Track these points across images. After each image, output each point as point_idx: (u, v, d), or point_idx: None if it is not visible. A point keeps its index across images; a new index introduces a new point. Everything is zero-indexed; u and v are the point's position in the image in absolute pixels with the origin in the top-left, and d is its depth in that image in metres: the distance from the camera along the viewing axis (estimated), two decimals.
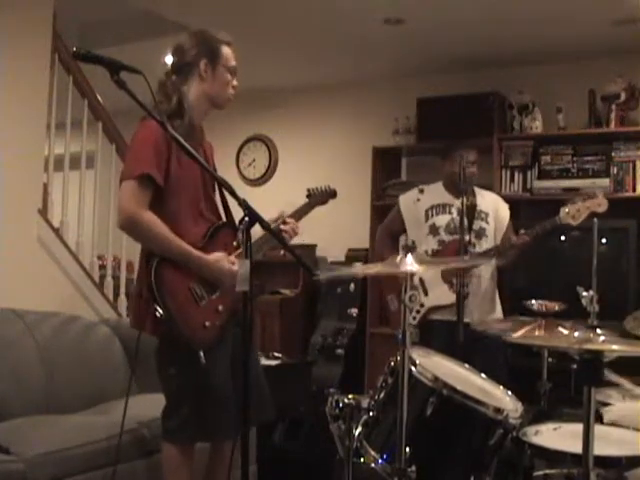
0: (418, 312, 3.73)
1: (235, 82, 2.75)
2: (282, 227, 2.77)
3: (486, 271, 3.74)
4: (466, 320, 3.50)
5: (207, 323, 2.53)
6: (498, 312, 3.81)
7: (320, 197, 3.04)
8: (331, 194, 3.06)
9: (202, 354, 2.49)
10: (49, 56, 4.06)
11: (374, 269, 2.55)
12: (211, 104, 2.72)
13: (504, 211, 3.88)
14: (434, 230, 3.79)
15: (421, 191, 3.92)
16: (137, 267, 2.67)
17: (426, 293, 3.74)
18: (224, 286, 2.55)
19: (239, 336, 2.10)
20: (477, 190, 3.87)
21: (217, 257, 2.58)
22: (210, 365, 2.50)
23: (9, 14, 3.81)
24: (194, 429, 2.57)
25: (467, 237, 3.64)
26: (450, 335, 3.40)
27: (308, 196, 3.03)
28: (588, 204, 3.39)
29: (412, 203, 3.91)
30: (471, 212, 3.71)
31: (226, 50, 2.71)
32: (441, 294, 3.63)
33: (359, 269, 2.43)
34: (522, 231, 3.63)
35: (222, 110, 2.78)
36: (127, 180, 2.52)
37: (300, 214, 2.90)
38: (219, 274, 2.55)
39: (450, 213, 3.77)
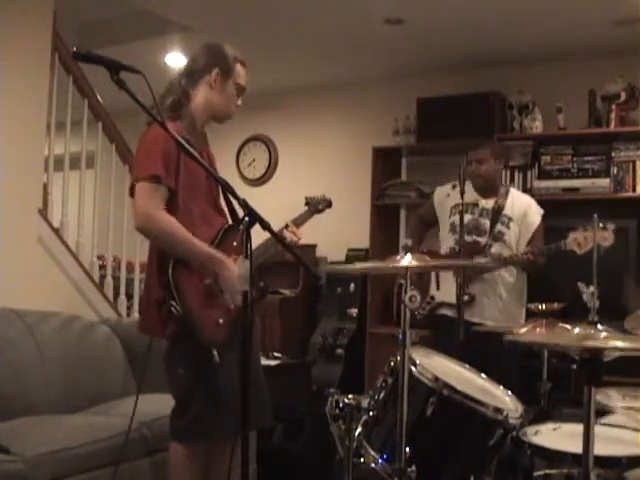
0: (429, 303, 3.77)
1: (240, 102, 2.77)
2: (285, 233, 2.82)
3: (503, 278, 3.73)
4: (476, 320, 3.51)
5: (221, 320, 2.54)
6: (517, 322, 3.77)
7: (317, 205, 3.11)
8: (327, 203, 3.14)
9: (216, 352, 2.50)
10: (49, 56, 4.06)
11: (370, 266, 2.55)
12: (212, 115, 2.74)
13: (533, 217, 3.84)
14: (453, 228, 3.83)
15: (454, 187, 3.93)
16: (142, 268, 2.67)
17: (438, 287, 3.77)
18: (231, 293, 2.53)
19: (240, 337, 2.10)
20: (512, 192, 3.86)
21: (233, 265, 2.55)
22: (221, 364, 2.51)
23: (9, 14, 3.81)
24: (204, 429, 2.57)
25: (484, 239, 3.65)
26: (453, 332, 3.42)
27: (307, 204, 3.10)
28: (595, 235, 3.38)
29: (444, 197, 3.96)
30: (495, 215, 3.72)
31: (239, 68, 2.74)
32: (450, 291, 3.64)
33: (357, 267, 2.48)
34: (529, 248, 3.64)
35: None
36: (140, 182, 2.54)
37: (300, 221, 2.95)
38: (235, 282, 2.50)
39: (472, 213, 3.79)
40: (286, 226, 2.85)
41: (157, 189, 2.52)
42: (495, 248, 3.71)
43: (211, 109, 2.71)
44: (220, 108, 2.73)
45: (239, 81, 2.74)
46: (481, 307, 3.64)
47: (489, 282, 3.69)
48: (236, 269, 2.53)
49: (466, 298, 3.67)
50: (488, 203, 3.73)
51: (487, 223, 3.69)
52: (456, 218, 3.81)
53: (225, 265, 2.53)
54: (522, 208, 3.84)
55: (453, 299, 3.63)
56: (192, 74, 2.70)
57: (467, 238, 3.75)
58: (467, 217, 3.79)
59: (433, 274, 3.81)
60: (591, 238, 3.38)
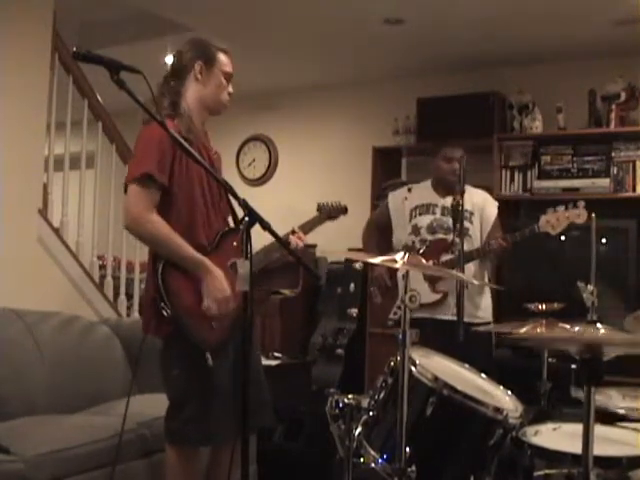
0: (399, 308, 3.75)
1: (231, 89, 2.76)
2: (290, 238, 2.81)
3: (467, 271, 3.74)
4: (449, 317, 3.51)
5: (214, 324, 2.53)
6: (484, 312, 3.79)
7: (330, 212, 3.06)
8: (341, 210, 3.09)
9: (209, 355, 2.49)
10: (49, 56, 4.06)
11: (373, 259, 2.51)
12: (206, 107, 2.73)
13: (491, 210, 3.86)
14: (416, 230, 3.82)
15: (409, 190, 3.97)
16: (142, 268, 2.66)
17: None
18: (211, 301, 2.52)
19: (240, 338, 2.10)
20: (467, 188, 3.88)
21: (221, 276, 2.55)
22: (215, 366, 2.50)
23: (9, 14, 3.82)
24: (197, 431, 2.56)
25: (450, 237, 3.65)
26: (431, 333, 3.41)
27: (318, 210, 3.06)
28: (568, 214, 3.39)
29: (400, 202, 3.96)
30: (456, 212, 3.73)
31: (222, 56, 2.73)
32: (422, 293, 3.63)
33: (360, 256, 2.46)
34: (499, 235, 3.65)
35: (219, 115, 2.78)
36: (131, 183, 2.54)
37: (309, 227, 2.93)
38: (216, 290, 2.52)
39: (433, 213, 3.81)
40: (292, 231, 2.85)
41: (148, 190, 2.51)
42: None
43: (203, 102, 2.70)
44: (210, 98, 2.71)
45: (224, 69, 2.73)
46: (446, 304, 3.64)
47: (454, 279, 3.70)
48: (221, 278, 2.52)
49: (439, 297, 3.67)
50: (447, 201, 3.73)
51: (449, 221, 3.69)
52: (419, 220, 3.82)
53: (210, 272, 2.52)
54: (480, 201, 3.85)
55: (424, 299, 3.62)
56: (178, 73, 2.70)
57: (431, 237, 3.76)
58: (429, 217, 3.80)
59: (400, 278, 3.79)
60: (564, 218, 3.39)
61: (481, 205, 3.84)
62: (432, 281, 3.71)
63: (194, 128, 2.64)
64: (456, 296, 3.44)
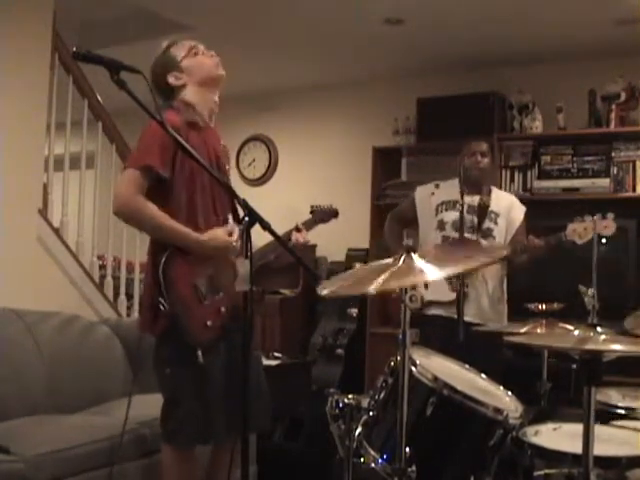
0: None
1: (221, 69, 2.72)
2: (294, 234, 2.83)
3: (491, 275, 3.73)
4: (468, 319, 3.50)
5: (209, 322, 2.54)
6: (503, 319, 3.78)
7: (322, 215, 3.09)
8: (333, 214, 3.13)
9: (200, 353, 2.49)
10: (49, 56, 4.06)
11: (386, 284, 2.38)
12: (205, 86, 2.69)
13: (517, 213, 3.84)
14: (441, 225, 3.81)
15: (437, 186, 3.94)
16: (142, 268, 2.65)
17: (426, 286, 3.74)
18: (222, 260, 2.55)
19: (239, 339, 2.09)
20: (494, 190, 3.87)
21: (212, 233, 2.57)
22: (207, 365, 2.50)
23: (9, 14, 3.82)
24: (191, 430, 2.56)
25: (474, 236, 3.64)
26: (445, 331, 3.41)
27: (312, 212, 3.09)
28: (596, 225, 3.36)
29: (427, 196, 3.94)
30: (483, 212, 3.72)
31: (199, 57, 2.70)
32: (440, 290, 3.62)
33: (369, 288, 2.22)
34: (523, 239, 3.64)
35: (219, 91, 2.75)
36: (129, 168, 2.55)
37: (306, 227, 2.96)
38: (216, 249, 2.56)
39: (458, 210, 3.79)
40: (297, 228, 2.87)
41: (144, 180, 2.52)
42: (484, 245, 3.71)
43: (200, 84, 2.67)
44: (202, 77, 2.68)
45: (206, 60, 2.69)
46: (468, 305, 3.62)
47: (478, 279, 3.68)
48: (214, 233, 2.55)
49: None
50: (473, 200, 3.72)
51: (474, 219, 3.68)
52: (445, 215, 3.81)
53: (204, 240, 2.54)
54: (507, 204, 3.84)
55: (443, 297, 3.62)
56: (166, 94, 2.68)
57: (456, 234, 3.74)
58: (454, 214, 3.78)
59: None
60: (591, 228, 3.36)
61: (508, 207, 3.82)
62: (451, 280, 3.68)
63: (197, 112, 2.64)
64: (456, 297, 3.45)
